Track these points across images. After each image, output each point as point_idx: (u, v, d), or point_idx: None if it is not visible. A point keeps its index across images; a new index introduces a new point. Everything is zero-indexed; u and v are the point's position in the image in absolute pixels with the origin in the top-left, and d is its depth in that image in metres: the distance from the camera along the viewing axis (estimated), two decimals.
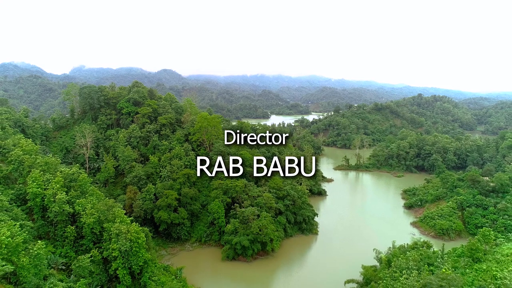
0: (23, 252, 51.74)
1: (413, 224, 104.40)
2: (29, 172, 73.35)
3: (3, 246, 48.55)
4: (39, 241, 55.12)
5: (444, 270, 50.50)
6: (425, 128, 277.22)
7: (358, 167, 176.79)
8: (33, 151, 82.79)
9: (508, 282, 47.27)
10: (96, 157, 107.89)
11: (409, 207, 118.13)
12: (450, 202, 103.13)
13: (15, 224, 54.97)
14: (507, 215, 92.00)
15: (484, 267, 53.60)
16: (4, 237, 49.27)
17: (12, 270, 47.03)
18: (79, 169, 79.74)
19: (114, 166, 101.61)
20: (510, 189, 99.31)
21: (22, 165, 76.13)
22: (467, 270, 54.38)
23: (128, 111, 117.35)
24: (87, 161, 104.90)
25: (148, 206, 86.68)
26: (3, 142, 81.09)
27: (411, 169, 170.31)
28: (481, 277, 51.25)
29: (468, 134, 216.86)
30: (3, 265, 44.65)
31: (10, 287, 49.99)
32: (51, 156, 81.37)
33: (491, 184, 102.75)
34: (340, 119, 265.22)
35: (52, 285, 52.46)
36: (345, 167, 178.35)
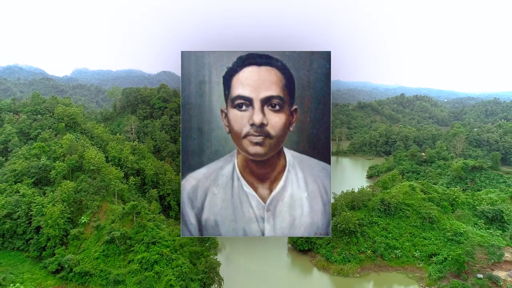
0: (122, 183, 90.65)
1: (369, 187, 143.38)
2: (107, 144, 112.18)
3: (114, 178, 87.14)
4: (131, 177, 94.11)
5: (360, 189, 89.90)
6: (401, 124, 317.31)
7: (337, 153, 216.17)
8: (104, 131, 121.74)
9: (395, 194, 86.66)
10: (137, 139, 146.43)
11: (369, 177, 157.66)
12: (395, 170, 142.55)
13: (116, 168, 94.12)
14: (430, 177, 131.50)
15: (388, 191, 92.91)
16: (114, 172, 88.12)
17: (125, 188, 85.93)
18: None
19: (153, 145, 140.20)
20: (436, 159, 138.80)
21: (101, 139, 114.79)
22: (379, 193, 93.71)
23: (159, 106, 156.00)
24: (132, 142, 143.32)
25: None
26: (84, 125, 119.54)
27: (380, 154, 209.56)
28: (385, 196, 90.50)
29: (426, 126, 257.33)
30: (119, 185, 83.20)
31: (119, 201, 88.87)
32: (118, 134, 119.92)
33: (424, 157, 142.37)
34: None
35: (139, 202, 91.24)
36: None
